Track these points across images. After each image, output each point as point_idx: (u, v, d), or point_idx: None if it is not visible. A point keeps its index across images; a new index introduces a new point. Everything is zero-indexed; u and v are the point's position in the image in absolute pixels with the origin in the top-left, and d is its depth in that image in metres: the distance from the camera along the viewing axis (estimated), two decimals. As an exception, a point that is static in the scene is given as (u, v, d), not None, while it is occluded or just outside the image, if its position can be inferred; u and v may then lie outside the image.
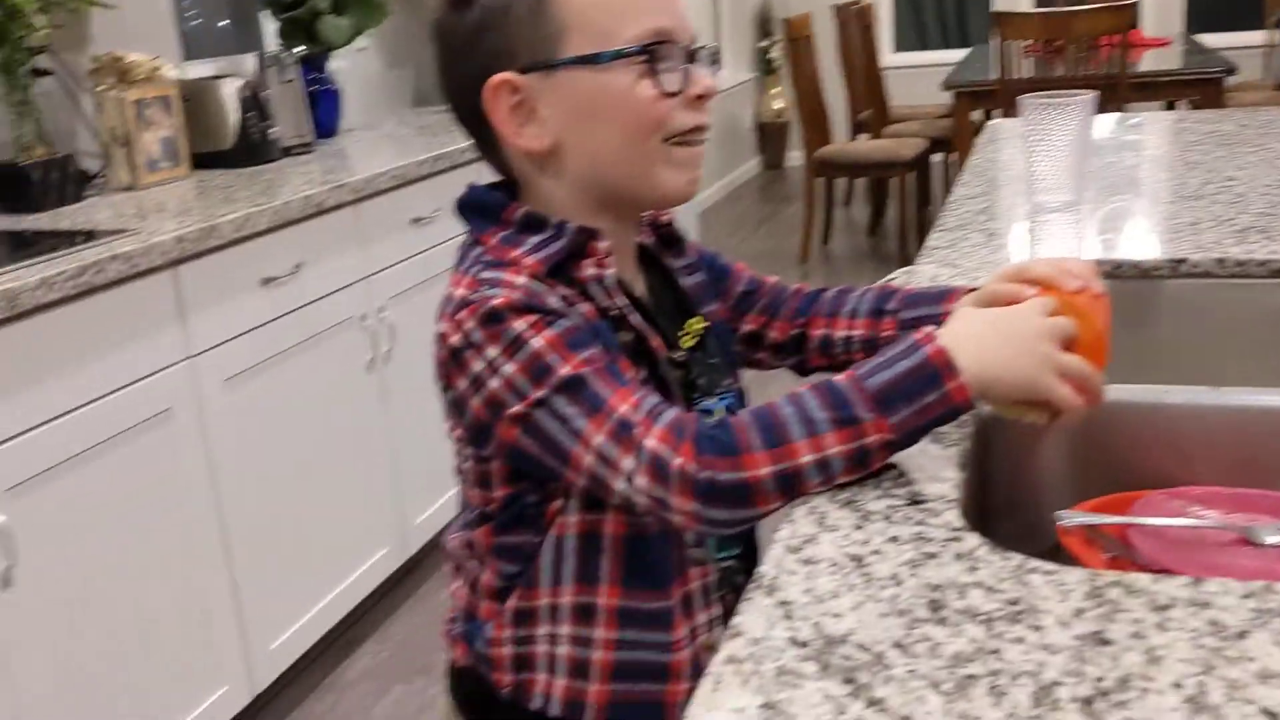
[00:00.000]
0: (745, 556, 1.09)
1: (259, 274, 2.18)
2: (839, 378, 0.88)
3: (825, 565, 0.80)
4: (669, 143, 0.94)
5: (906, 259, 1.53)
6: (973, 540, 0.81)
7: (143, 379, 1.93)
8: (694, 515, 0.86)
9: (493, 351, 0.90)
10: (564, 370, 0.88)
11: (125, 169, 2.47)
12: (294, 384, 2.27)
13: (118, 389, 1.88)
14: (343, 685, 2.39)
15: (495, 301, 0.90)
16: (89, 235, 2.00)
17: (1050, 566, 0.77)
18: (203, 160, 2.67)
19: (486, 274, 0.93)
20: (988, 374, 0.87)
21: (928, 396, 0.85)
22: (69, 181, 2.34)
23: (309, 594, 2.34)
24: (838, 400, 0.86)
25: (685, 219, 4.01)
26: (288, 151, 2.83)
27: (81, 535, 1.81)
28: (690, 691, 0.95)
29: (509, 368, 0.89)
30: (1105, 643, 0.68)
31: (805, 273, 5.36)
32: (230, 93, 2.69)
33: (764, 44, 7.79)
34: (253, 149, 2.71)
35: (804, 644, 0.70)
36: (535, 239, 0.95)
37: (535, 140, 0.95)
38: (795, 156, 7.51)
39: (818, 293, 1.19)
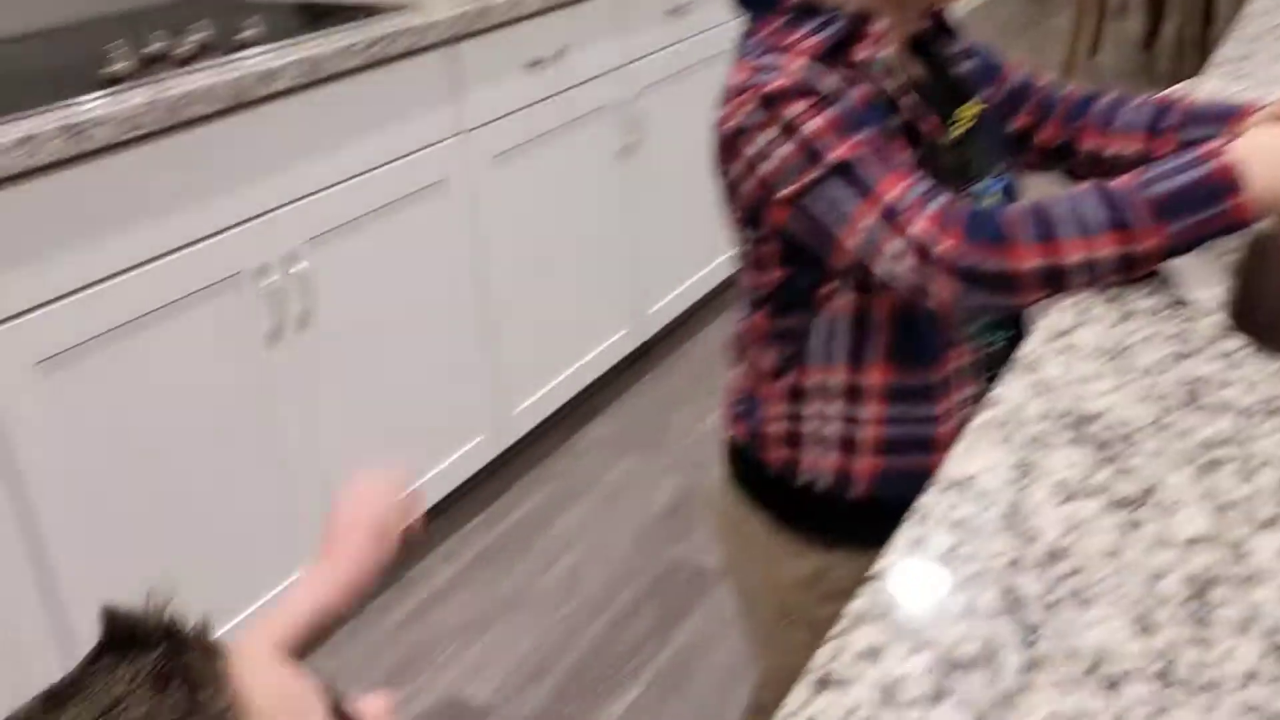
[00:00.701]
0: (1013, 342, 1.12)
1: (527, 56, 2.28)
2: (1118, 182, 0.89)
3: (1086, 351, 0.83)
4: None
5: (1181, 79, 1.46)
6: (1237, 341, 0.83)
7: (423, 149, 2.07)
8: (954, 299, 0.90)
9: (769, 134, 0.94)
10: (836, 153, 0.91)
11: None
12: (552, 165, 2.39)
13: (401, 156, 2.03)
14: (579, 451, 2.58)
15: (772, 85, 0.93)
16: (372, 10, 2.12)
17: (1315, 370, 0.78)
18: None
19: (764, 59, 0.97)
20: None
21: (1209, 210, 0.86)
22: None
23: (554, 363, 2.51)
24: (1116, 204, 0.87)
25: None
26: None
27: (367, 287, 2.00)
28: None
29: (783, 150, 0.94)
30: (1364, 442, 0.70)
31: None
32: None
33: None
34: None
35: (1059, 416, 0.76)
36: (811, 24, 0.98)
37: None
38: (1067, -39, 6.97)
39: (1092, 97, 1.16)
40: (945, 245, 0.88)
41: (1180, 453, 0.71)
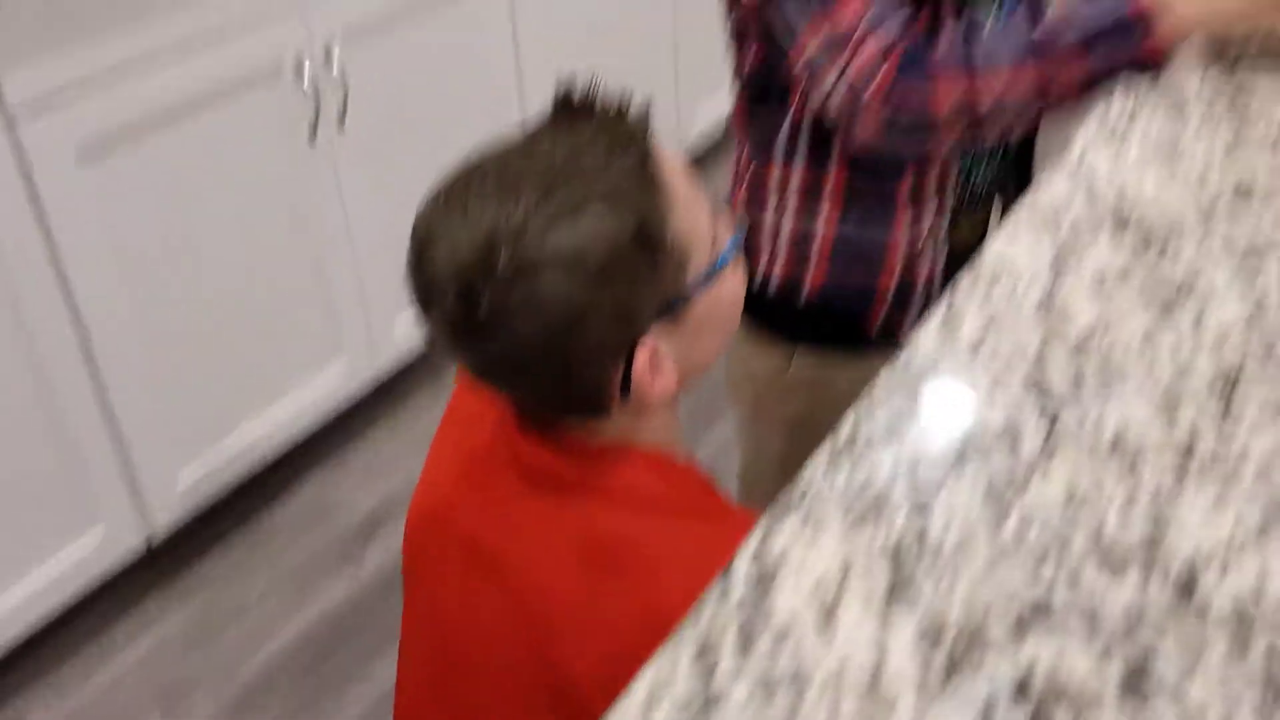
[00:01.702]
0: (1017, 177, 1.09)
1: None
2: (1050, 14, 0.88)
3: (1136, 142, 0.81)
4: None
5: None
6: (1295, 139, 0.80)
7: (461, -59, 2.01)
8: (874, 141, 0.89)
9: None
10: None
11: None
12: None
13: (439, -52, 1.96)
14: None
15: None
16: None
17: (1375, 169, 0.76)
18: None
19: None
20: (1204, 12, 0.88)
21: (1125, 44, 0.87)
22: None
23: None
24: (1043, 32, 0.88)
25: None
26: None
27: (401, 89, 1.97)
28: (898, 285, 1.03)
29: None
30: None
31: None
32: None
33: None
34: None
35: (1103, 207, 0.74)
36: None
37: None
38: None
39: None
40: (873, 88, 0.87)
41: (1223, 248, 0.69)
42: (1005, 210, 1.13)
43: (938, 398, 0.59)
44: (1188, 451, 0.55)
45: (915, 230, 1.04)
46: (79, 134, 1.52)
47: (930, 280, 1.08)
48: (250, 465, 1.89)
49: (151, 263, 1.66)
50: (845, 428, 0.57)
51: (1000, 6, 1.04)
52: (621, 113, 0.71)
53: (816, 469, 0.55)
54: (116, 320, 1.63)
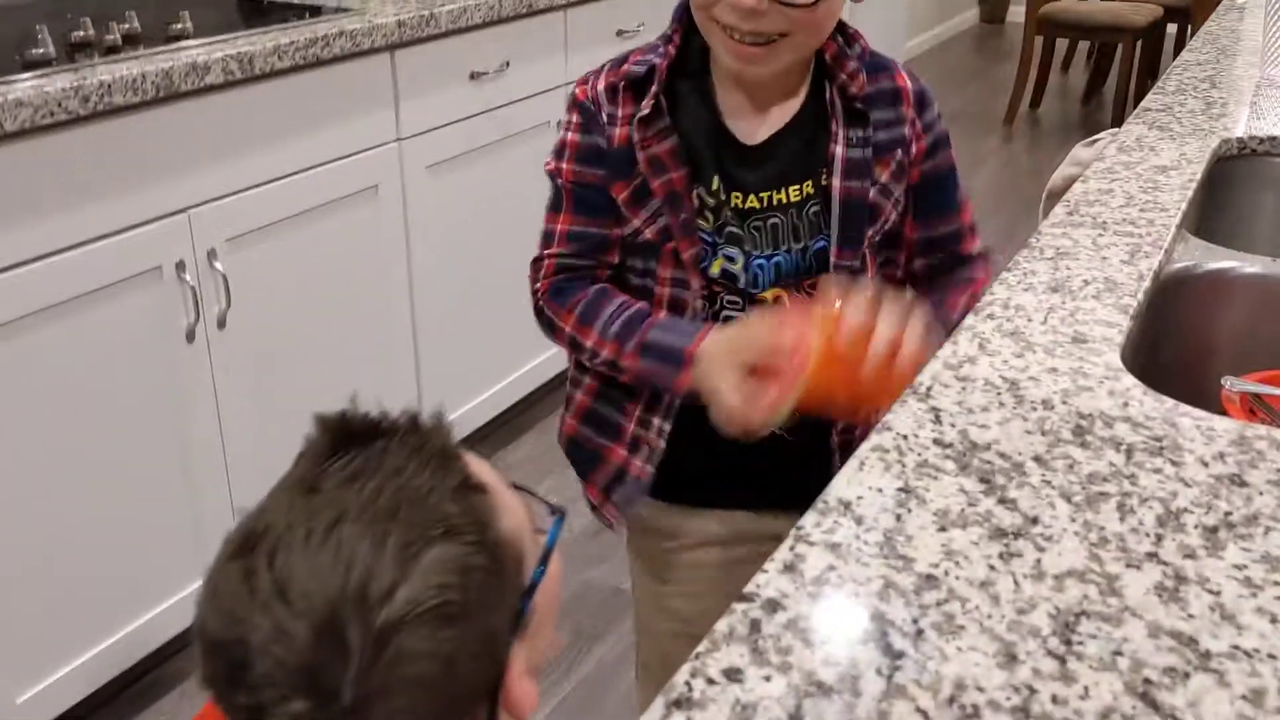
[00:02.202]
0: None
1: (469, 67, 2.26)
2: (650, 318, 1.06)
3: (980, 383, 0.84)
4: (719, 25, 0.98)
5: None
6: (1129, 381, 0.84)
7: (355, 154, 2.05)
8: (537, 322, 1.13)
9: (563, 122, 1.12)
10: (561, 170, 1.10)
11: (353, -49, 2.55)
12: (490, 179, 2.37)
13: (333, 159, 2.00)
14: (500, 469, 2.55)
15: (573, 89, 1.09)
16: (316, 10, 2.10)
17: (1201, 414, 0.79)
18: (425, -49, 2.73)
19: (595, 68, 1.09)
20: (705, 381, 0.99)
21: (666, 369, 1.03)
22: (302, -42, 2.44)
23: (479, 380, 2.49)
24: (628, 327, 1.05)
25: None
26: (506, -50, 2.86)
27: (287, 290, 1.97)
28: (626, 461, 1.13)
29: (555, 141, 1.11)
30: (1242, 484, 0.71)
31: (1008, 135, 5.16)
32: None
33: (1003, -113, 7.31)
34: (473, -56, 2.75)
35: (948, 445, 0.75)
36: (644, 48, 1.07)
37: None
38: (1017, 12, 7.12)
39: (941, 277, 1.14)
40: (536, 289, 1.12)
41: (1064, 486, 0.71)
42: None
43: (776, 643, 0.58)
44: (1023, 707, 0.54)
45: (650, 415, 1.13)
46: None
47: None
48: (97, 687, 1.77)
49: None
50: (681, 676, 0.55)
51: (777, 266, 1.06)
52: (417, 427, 0.64)
53: (651, 717, 0.52)
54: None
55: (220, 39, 1.82)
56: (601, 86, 1.06)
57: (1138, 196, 1.22)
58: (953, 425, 0.78)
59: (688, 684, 0.55)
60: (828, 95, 1.04)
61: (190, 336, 1.79)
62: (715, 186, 1.04)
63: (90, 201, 1.62)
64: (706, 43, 1.02)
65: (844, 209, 1.03)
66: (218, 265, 1.81)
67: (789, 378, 0.92)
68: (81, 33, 1.74)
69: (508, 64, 2.35)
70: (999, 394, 0.82)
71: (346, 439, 0.63)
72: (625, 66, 1.05)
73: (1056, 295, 0.98)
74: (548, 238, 1.11)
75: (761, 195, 1.04)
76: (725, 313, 1.07)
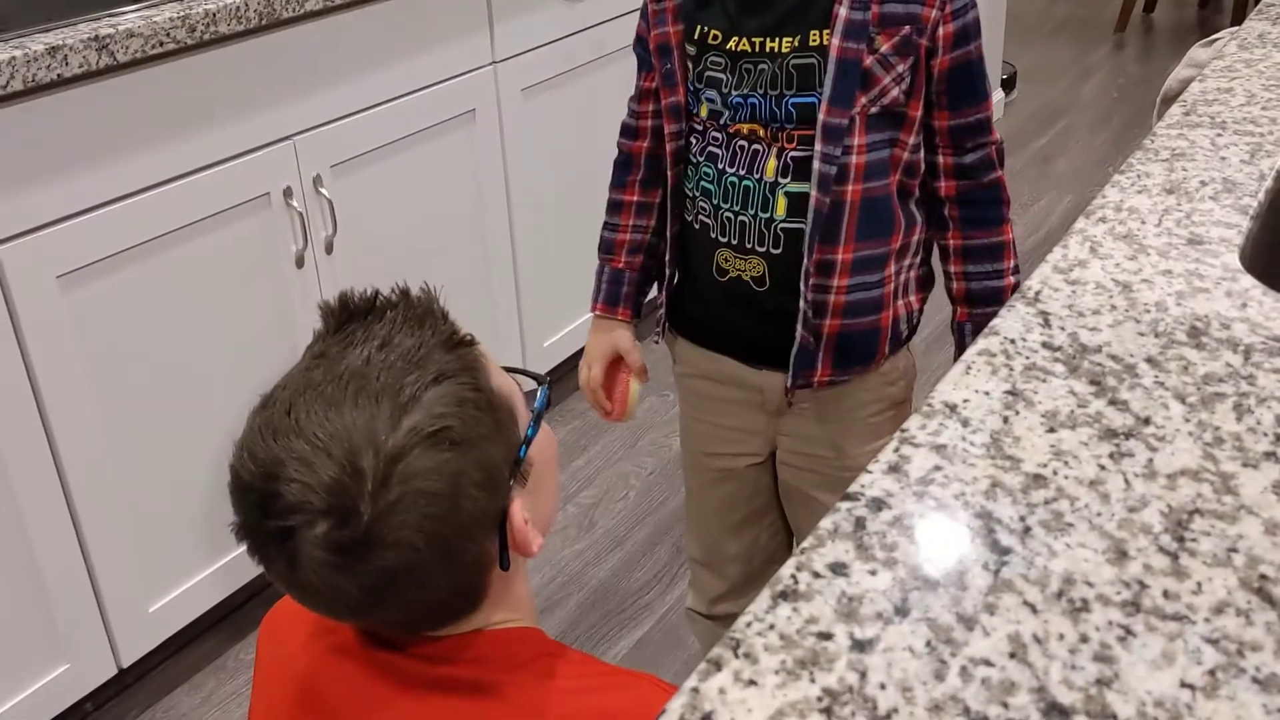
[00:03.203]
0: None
1: (562, -13, 2.25)
2: (611, 254, 1.36)
3: (1091, 286, 0.82)
4: None
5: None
6: (1248, 281, 0.81)
7: (452, 78, 2.06)
8: None
9: None
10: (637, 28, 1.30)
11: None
12: (586, 100, 2.37)
13: (430, 84, 2.02)
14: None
15: None
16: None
17: (1326, 313, 0.76)
18: None
19: None
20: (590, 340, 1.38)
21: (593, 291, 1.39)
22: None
23: (583, 301, 2.51)
24: (602, 240, 1.37)
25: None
26: None
27: (390, 215, 2.00)
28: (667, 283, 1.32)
29: None
30: (1367, 383, 0.68)
31: (1119, 44, 4.95)
32: None
33: None
34: None
35: (1057, 348, 0.74)
36: None
37: None
38: (1130, -86, 6.78)
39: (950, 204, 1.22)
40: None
41: (1178, 387, 0.69)
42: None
43: (880, 540, 0.58)
44: (1133, 600, 0.54)
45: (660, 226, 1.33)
46: (65, 258, 1.54)
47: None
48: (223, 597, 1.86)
49: (132, 389, 1.66)
50: (787, 568, 0.56)
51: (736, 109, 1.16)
52: (407, 297, 0.75)
53: (757, 609, 0.53)
54: (94, 452, 1.62)
55: (318, -35, 1.83)
56: None
57: (1259, 95, 1.17)
58: (1062, 328, 0.76)
59: (793, 576, 0.56)
60: None
61: (300, 262, 1.84)
62: (698, 35, 1.16)
63: (199, 131, 1.66)
64: None
65: (838, 67, 1.09)
66: (323, 191, 1.84)
67: (620, 397, 1.37)
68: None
69: (601, -18, 2.33)
70: (1110, 296, 0.80)
71: (348, 317, 0.74)
72: None
73: (1172, 197, 0.95)
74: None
75: (754, 40, 1.12)
76: (709, 148, 1.19)
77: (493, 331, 2.28)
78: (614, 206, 1.35)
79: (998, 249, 1.21)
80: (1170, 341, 0.74)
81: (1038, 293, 0.81)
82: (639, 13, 1.27)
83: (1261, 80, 1.21)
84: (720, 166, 1.17)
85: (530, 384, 0.82)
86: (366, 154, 1.93)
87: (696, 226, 1.22)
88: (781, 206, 1.14)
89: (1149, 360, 0.72)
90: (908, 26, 1.09)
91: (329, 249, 1.88)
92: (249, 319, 1.80)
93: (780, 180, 1.14)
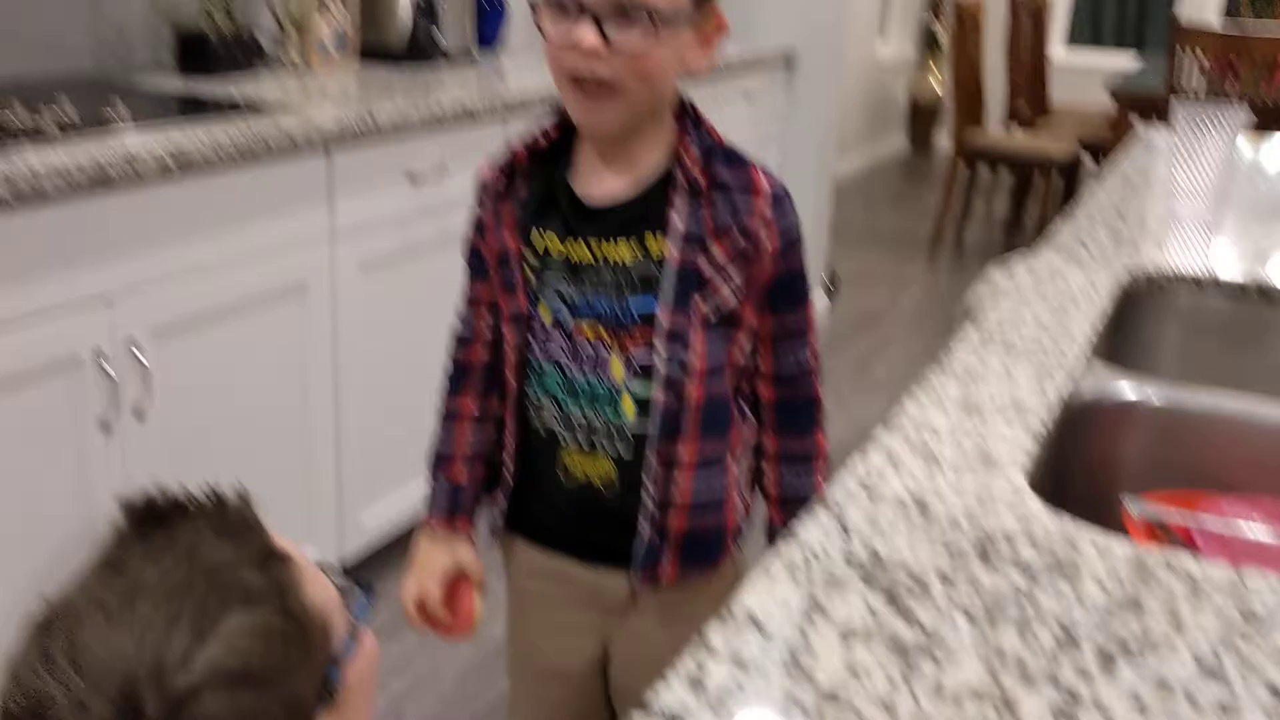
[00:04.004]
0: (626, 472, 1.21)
1: (406, 169, 2.29)
2: (446, 463, 1.32)
3: (889, 498, 0.85)
4: (567, 79, 1.11)
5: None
6: (1032, 502, 0.86)
7: (287, 251, 2.05)
8: None
9: None
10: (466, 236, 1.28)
11: (297, 51, 2.59)
12: (424, 280, 2.38)
13: (264, 256, 2.00)
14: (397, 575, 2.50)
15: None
16: (256, 107, 2.12)
17: (1100, 536, 0.81)
18: (368, 54, 2.78)
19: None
20: (417, 556, 1.34)
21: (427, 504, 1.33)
22: (245, 55, 2.47)
23: (403, 479, 2.46)
24: (435, 453, 1.33)
25: (819, 187, 4.02)
26: (449, 57, 2.93)
27: (210, 384, 1.95)
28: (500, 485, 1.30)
29: None
30: (1137, 606, 0.72)
31: (934, 255, 5.31)
32: (404, -7, 2.79)
33: (931, 20, 7.65)
34: (417, 50, 2.81)
35: (855, 559, 0.76)
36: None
37: None
38: (944, 140, 7.40)
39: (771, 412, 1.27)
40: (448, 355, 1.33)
41: (966, 604, 0.72)
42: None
43: (677, 757, 0.57)
44: (918, 823, 0.54)
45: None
46: None
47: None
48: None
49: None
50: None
51: (578, 314, 1.19)
52: (220, 502, 0.68)
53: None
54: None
55: (156, 131, 1.82)
56: (490, 166, 1.22)
57: (1046, 320, 1.27)
58: (860, 539, 0.79)
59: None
60: (676, 172, 1.16)
61: (106, 428, 1.76)
62: (540, 246, 1.19)
63: (12, 285, 1.60)
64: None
65: (676, 274, 1.15)
66: (140, 355, 1.78)
67: (465, 610, 1.32)
68: (14, 118, 1.73)
69: (446, 167, 2.38)
70: (907, 510, 0.83)
71: (151, 519, 0.66)
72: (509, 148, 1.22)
73: (966, 415, 1.01)
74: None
75: (594, 249, 1.16)
76: (552, 353, 1.20)
77: (309, 504, 2.21)
78: (449, 416, 1.32)
79: (810, 455, 1.26)
80: (960, 558, 0.77)
81: (839, 503, 0.84)
82: (470, 224, 1.28)
83: (1048, 308, 1.31)
84: (567, 371, 1.19)
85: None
86: (190, 319, 1.88)
87: (542, 432, 1.23)
88: (630, 409, 1.17)
89: (940, 575, 0.75)
90: (740, 236, 1.15)
91: (140, 416, 1.81)
92: (46, 486, 1.70)
93: (627, 382, 1.16)
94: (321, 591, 0.69)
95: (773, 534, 1.27)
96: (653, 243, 1.15)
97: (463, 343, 1.32)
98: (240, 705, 0.59)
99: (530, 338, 1.21)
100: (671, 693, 0.62)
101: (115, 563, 0.64)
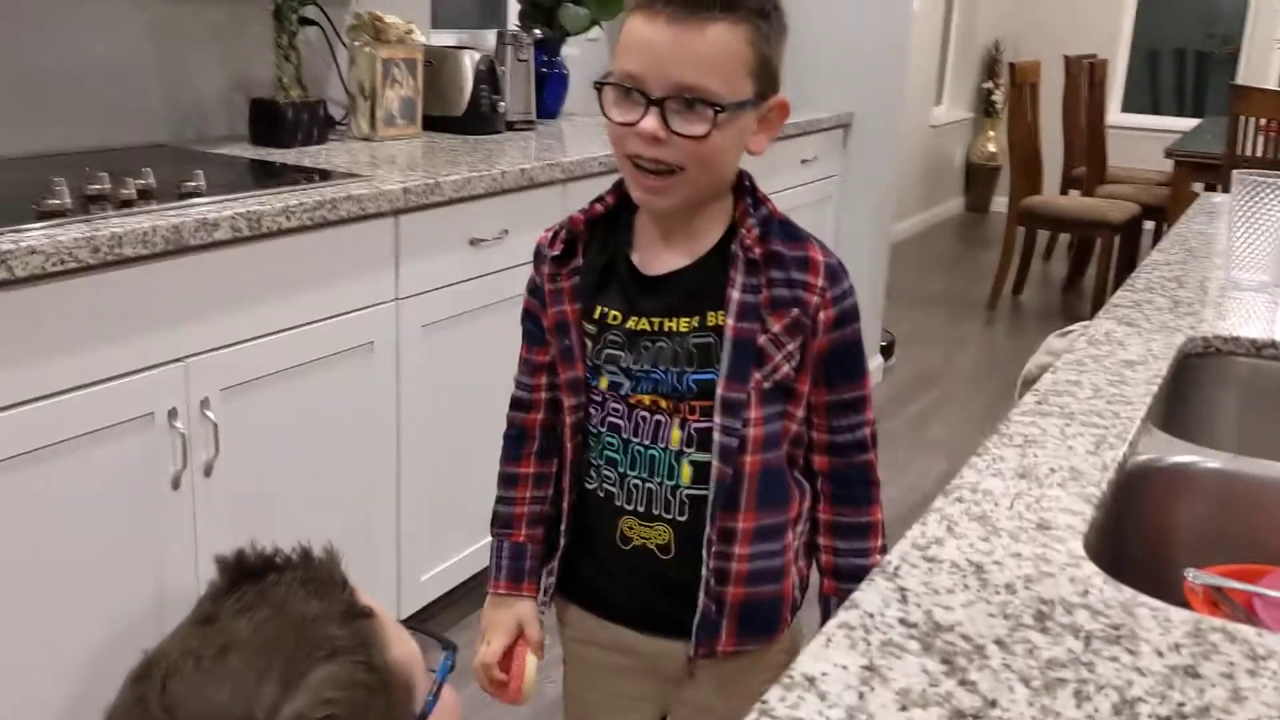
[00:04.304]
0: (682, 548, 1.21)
1: (469, 234, 2.35)
2: (511, 528, 1.33)
3: (947, 565, 0.86)
4: (628, 159, 1.14)
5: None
6: (1090, 569, 0.86)
7: (353, 311, 2.11)
8: None
9: None
10: (524, 300, 1.30)
11: (366, 120, 2.67)
12: (484, 341, 2.43)
13: (331, 316, 2.06)
14: (477, 629, 2.53)
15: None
16: (326, 175, 2.20)
17: (1158, 604, 0.82)
18: (433, 123, 2.86)
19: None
20: (488, 618, 1.35)
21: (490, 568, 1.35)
22: (316, 124, 2.56)
23: (462, 539, 2.49)
24: (497, 516, 1.36)
25: (875, 249, 4.04)
26: (511, 125, 3.00)
27: (277, 442, 2.00)
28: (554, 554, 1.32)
29: None
30: (1195, 675, 0.73)
31: (990, 319, 5.29)
32: (469, 63, 2.87)
33: (987, 85, 7.68)
34: (480, 119, 2.89)
35: (912, 625, 0.77)
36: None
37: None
38: (1001, 202, 7.39)
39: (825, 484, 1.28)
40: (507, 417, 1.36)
41: (1023, 670, 0.73)
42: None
43: (738, 816, 0.59)
44: None
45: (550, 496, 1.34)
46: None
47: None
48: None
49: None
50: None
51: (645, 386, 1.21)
52: (308, 558, 0.71)
53: None
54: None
55: (231, 197, 1.90)
56: (549, 234, 1.25)
57: (1104, 389, 1.27)
58: (918, 605, 0.80)
59: None
60: (733, 247, 1.18)
61: (176, 484, 1.81)
62: (598, 315, 1.20)
63: (92, 347, 1.66)
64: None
65: (734, 347, 1.16)
66: (209, 414, 1.84)
67: (518, 672, 1.32)
68: (98, 186, 1.81)
69: (506, 231, 2.44)
70: (964, 576, 0.84)
71: (242, 575, 0.70)
72: (571, 218, 1.24)
73: (1023, 481, 1.02)
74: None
75: (653, 320, 1.18)
76: (610, 419, 1.22)
77: (369, 562, 2.25)
78: (509, 480, 1.34)
79: (865, 529, 1.26)
80: (1018, 624, 0.78)
81: (897, 568, 0.85)
82: (526, 289, 1.30)
83: (1106, 375, 1.32)
84: (624, 436, 1.21)
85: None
86: (259, 379, 1.94)
87: (600, 495, 1.24)
88: (687, 474, 1.19)
89: (997, 642, 0.76)
90: (795, 309, 1.17)
91: (208, 472, 1.86)
92: (119, 537, 1.75)
93: (685, 449, 1.18)
94: (405, 648, 0.71)
95: (826, 607, 1.28)
96: (712, 317, 1.17)
97: (521, 405, 1.33)
98: None
99: (588, 404, 1.23)
100: (732, 753, 0.63)
101: (208, 616, 0.67)
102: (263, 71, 2.60)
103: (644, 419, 1.20)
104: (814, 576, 1.31)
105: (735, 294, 1.16)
